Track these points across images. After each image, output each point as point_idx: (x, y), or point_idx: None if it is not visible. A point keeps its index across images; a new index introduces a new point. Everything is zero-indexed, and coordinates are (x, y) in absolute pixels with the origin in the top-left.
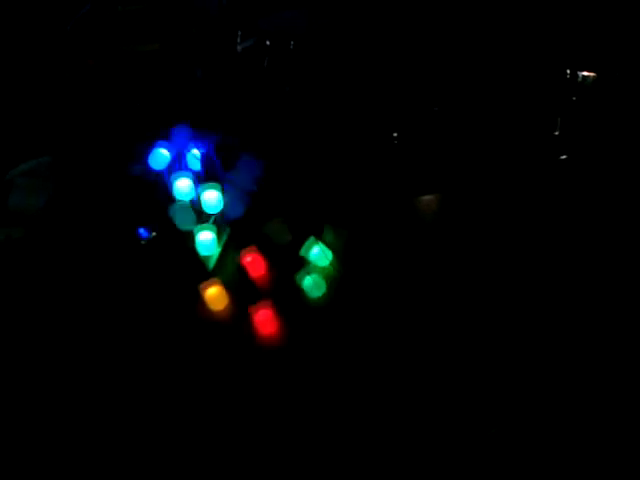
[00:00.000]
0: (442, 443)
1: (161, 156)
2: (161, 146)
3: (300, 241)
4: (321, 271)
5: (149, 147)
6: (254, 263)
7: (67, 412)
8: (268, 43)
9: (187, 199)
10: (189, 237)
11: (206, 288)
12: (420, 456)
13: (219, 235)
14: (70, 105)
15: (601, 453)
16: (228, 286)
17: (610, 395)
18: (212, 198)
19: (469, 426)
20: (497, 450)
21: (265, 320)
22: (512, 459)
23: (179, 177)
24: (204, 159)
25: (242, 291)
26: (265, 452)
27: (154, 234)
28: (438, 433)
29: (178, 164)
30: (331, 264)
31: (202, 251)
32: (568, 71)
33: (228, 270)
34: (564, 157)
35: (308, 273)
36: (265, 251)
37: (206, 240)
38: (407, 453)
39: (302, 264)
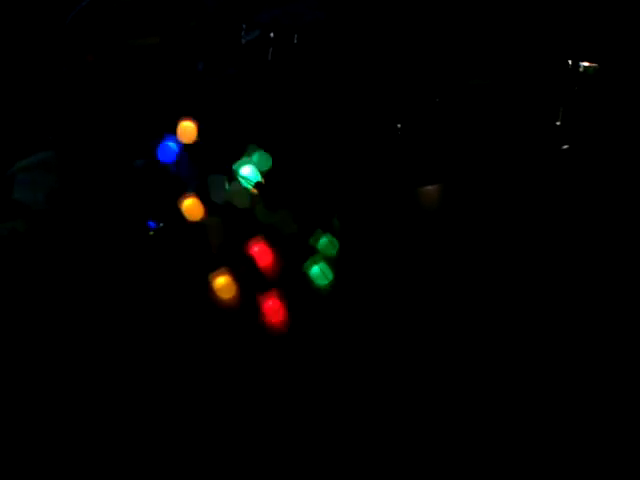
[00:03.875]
0: (446, 433)
1: (169, 149)
2: (170, 140)
3: (306, 230)
4: (328, 260)
5: (156, 140)
6: (261, 253)
7: (76, 396)
8: (272, 35)
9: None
10: (197, 227)
11: (215, 277)
12: (426, 449)
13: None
14: (71, 99)
15: (601, 453)
16: (236, 275)
17: (610, 392)
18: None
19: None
20: (497, 449)
21: (273, 309)
22: (513, 457)
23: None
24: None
25: (250, 280)
26: (271, 441)
27: (162, 225)
28: (444, 422)
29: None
30: (338, 253)
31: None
32: (570, 62)
33: (235, 260)
34: (566, 147)
35: (315, 262)
36: (272, 241)
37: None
38: (412, 443)
39: (310, 253)
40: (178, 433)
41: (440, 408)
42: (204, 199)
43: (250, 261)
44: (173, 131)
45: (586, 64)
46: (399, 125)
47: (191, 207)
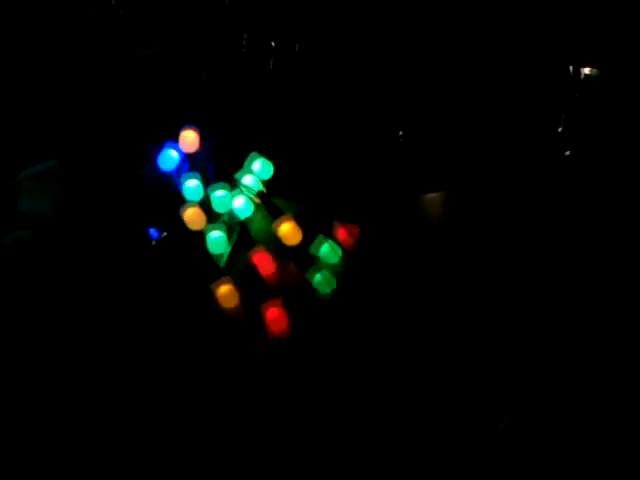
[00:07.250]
0: (452, 436)
1: (170, 157)
2: (170, 147)
3: (309, 239)
4: (331, 268)
5: (157, 149)
6: (263, 261)
7: (82, 407)
8: (273, 44)
9: (196, 199)
10: (199, 236)
11: (218, 287)
12: (430, 452)
13: (229, 234)
14: (76, 108)
15: (608, 451)
16: (238, 284)
17: (613, 390)
18: (221, 198)
19: (478, 420)
20: (505, 446)
21: (276, 318)
22: (520, 455)
23: (188, 178)
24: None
25: (252, 289)
26: (273, 448)
27: (164, 234)
28: (448, 426)
29: (187, 165)
30: (341, 261)
31: (213, 250)
32: (571, 68)
33: (238, 269)
34: (568, 153)
35: (318, 270)
36: (274, 250)
37: (216, 239)
38: (416, 447)
39: (312, 262)
40: (181, 441)
41: (445, 418)
42: (206, 208)
43: (252, 270)
44: (175, 140)
45: (587, 70)
46: (401, 132)
47: (193, 216)
